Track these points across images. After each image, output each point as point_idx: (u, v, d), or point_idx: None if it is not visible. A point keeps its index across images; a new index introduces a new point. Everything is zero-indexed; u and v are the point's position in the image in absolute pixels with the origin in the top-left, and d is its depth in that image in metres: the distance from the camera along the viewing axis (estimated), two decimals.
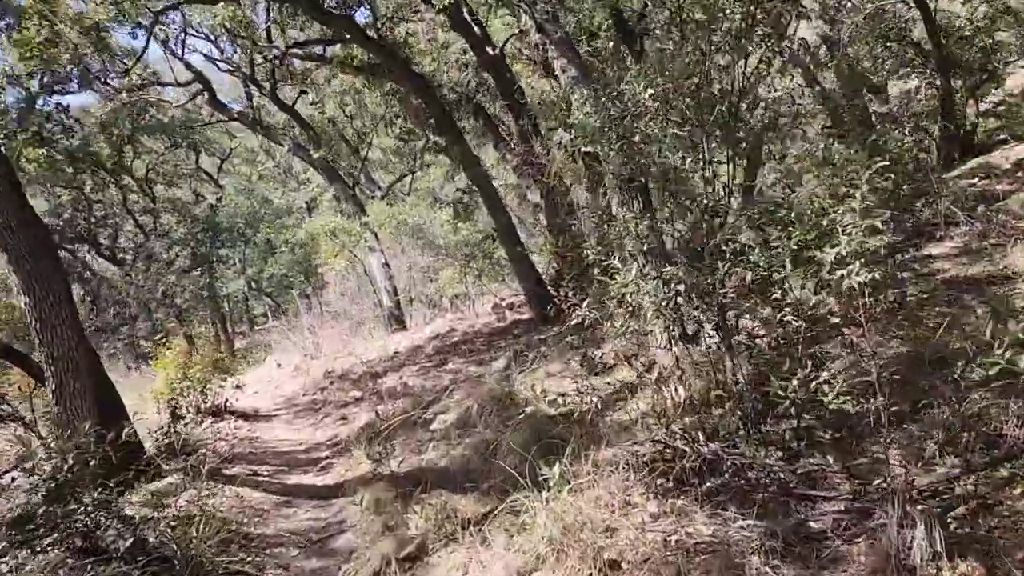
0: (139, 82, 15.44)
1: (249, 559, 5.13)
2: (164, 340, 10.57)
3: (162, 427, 7.98)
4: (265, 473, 7.57)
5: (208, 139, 28.39)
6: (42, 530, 4.33)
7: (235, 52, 14.83)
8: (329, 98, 16.24)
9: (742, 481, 3.95)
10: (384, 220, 14.27)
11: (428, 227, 14.25)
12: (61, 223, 23.87)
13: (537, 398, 6.82)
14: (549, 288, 11.74)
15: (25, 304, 6.57)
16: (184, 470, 6.92)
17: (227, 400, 10.23)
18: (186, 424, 9.53)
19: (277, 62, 13.72)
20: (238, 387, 10.47)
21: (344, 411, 9.79)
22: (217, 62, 15.42)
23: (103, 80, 15.08)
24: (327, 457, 7.80)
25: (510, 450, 5.26)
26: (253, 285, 34.59)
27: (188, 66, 15.11)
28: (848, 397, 3.66)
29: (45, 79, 22.35)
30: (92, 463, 5.03)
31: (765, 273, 4.15)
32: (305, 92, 15.71)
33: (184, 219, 26.33)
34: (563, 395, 6.52)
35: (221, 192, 30.54)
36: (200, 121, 27.96)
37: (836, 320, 4.04)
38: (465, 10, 10.89)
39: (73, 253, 25.49)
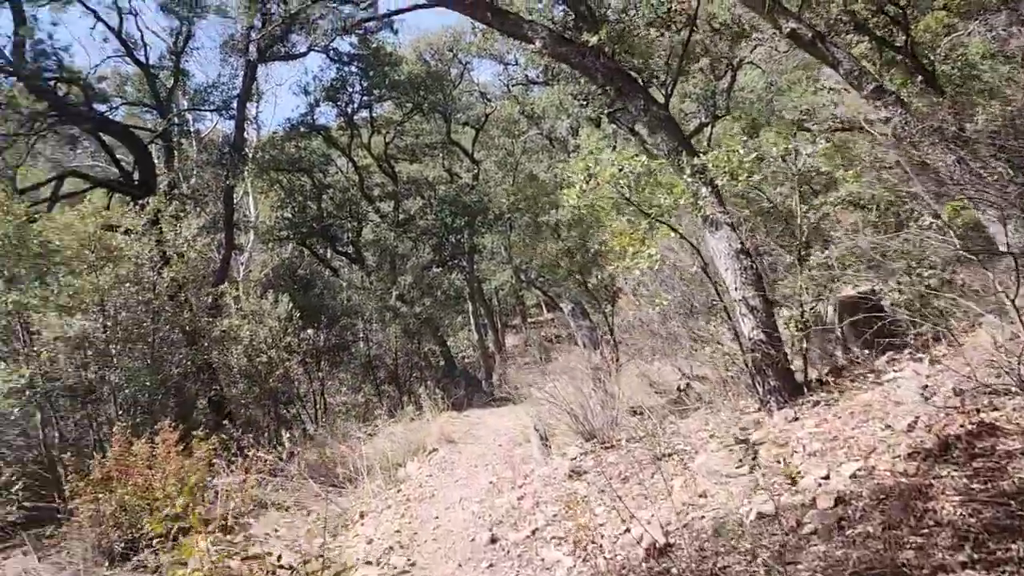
0: None
1: None
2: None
3: None
4: None
5: (457, 102, 22.95)
6: None
7: None
8: None
9: None
10: (742, 162, 6.66)
11: None
12: (290, 216, 19.82)
13: None
14: None
15: None
16: None
17: None
18: None
19: None
20: None
21: None
22: None
23: None
24: None
25: None
26: (522, 276, 28.96)
27: None
28: None
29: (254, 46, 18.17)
30: None
31: None
32: None
33: (430, 203, 21.00)
34: None
35: (477, 168, 25.06)
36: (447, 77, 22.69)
37: None
38: None
39: (310, 248, 21.56)
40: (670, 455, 6.41)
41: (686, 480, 5.63)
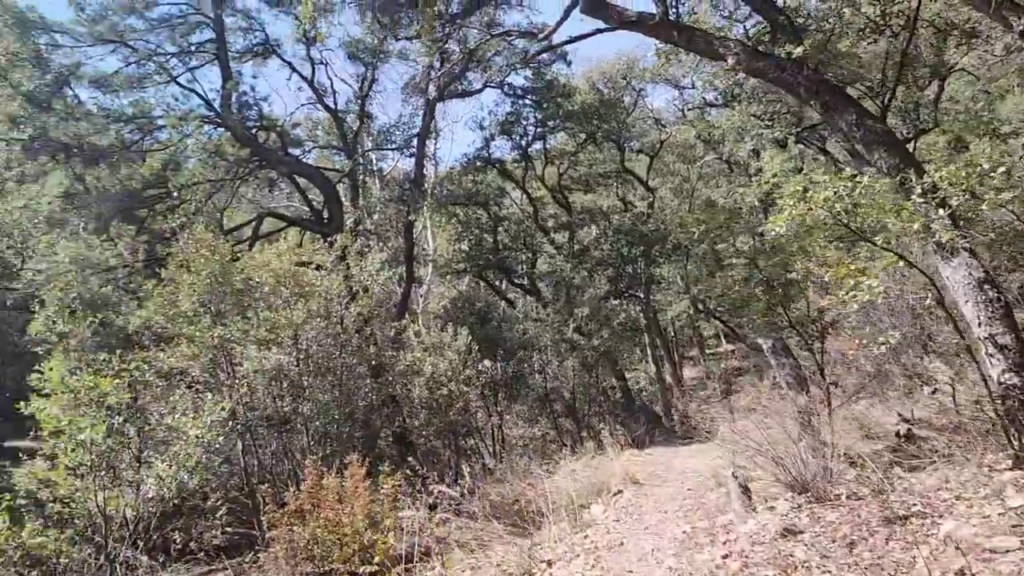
0: None
1: None
2: None
3: None
4: None
5: (631, 130, 22.60)
6: None
7: None
8: None
9: None
10: (985, 177, 5.71)
11: None
12: (467, 248, 20.31)
13: None
14: None
15: None
16: None
17: None
18: None
19: None
20: None
21: None
22: None
23: None
24: None
25: None
26: (700, 306, 27.89)
27: None
28: None
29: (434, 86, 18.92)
30: None
31: None
32: None
33: (605, 233, 20.74)
34: None
35: (652, 196, 24.49)
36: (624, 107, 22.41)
37: None
38: None
39: (487, 280, 21.94)
40: (906, 518, 5.53)
41: (933, 551, 4.80)
